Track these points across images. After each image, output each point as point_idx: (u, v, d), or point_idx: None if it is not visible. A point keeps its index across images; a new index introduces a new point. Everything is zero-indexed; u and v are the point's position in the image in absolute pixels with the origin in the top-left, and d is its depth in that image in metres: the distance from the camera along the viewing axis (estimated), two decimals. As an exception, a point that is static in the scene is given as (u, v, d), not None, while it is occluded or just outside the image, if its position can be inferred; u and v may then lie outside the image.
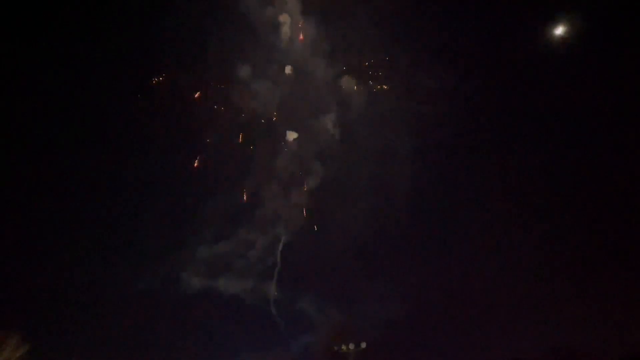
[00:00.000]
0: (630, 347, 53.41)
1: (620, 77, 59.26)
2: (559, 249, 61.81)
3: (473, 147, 65.08)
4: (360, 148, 66.28)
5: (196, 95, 62.49)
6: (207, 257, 61.86)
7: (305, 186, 65.83)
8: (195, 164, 62.53)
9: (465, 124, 63.83)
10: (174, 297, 60.04)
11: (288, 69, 66.13)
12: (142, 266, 59.60)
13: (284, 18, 65.44)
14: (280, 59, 66.18)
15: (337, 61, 65.45)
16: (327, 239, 63.67)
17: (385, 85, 65.12)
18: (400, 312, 60.40)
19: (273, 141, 66.66)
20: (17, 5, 60.21)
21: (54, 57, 61.97)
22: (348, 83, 66.15)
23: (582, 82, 60.29)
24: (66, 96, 62.51)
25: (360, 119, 66.24)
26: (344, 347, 58.83)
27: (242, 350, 58.70)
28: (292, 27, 65.79)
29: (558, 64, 60.93)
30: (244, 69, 64.36)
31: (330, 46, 64.44)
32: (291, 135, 67.24)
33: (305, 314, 61.76)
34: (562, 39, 59.48)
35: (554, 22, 59.79)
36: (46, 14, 61.60)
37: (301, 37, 64.06)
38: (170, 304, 60.00)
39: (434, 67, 61.84)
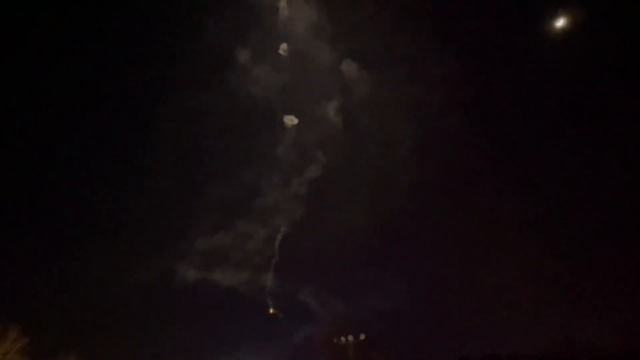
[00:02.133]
0: (629, 340, 53.31)
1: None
2: (560, 241, 60.57)
3: (478, 136, 63.13)
4: (362, 136, 65.14)
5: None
6: (205, 249, 61.22)
7: (306, 175, 64.71)
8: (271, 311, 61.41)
9: (471, 112, 62.24)
10: (172, 288, 59.73)
11: (283, 49, 63.61)
12: (139, 258, 59.13)
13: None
14: (280, 42, 64.07)
15: (339, 45, 63.19)
16: (328, 230, 63.15)
17: (389, 71, 62.97)
18: (399, 305, 60.39)
19: (273, 129, 65.22)
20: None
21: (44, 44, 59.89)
22: (350, 68, 63.99)
23: (588, 72, 58.87)
24: (58, 84, 60.77)
25: (362, 106, 64.69)
26: (343, 338, 58.98)
27: (242, 341, 58.93)
28: (290, 7, 63.32)
29: (565, 54, 58.95)
30: (242, 52, 62.47)
31: (332, 29, 62.21)
32: (291, 121, 65.30)
33: (305, 305, 61.49)
34: (569, 29, 58.01)
35: (562, 12, 58.12)
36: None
37: None
38: (169, 296, 59.79)
39: (440, 54, 59.88)
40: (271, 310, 60.95)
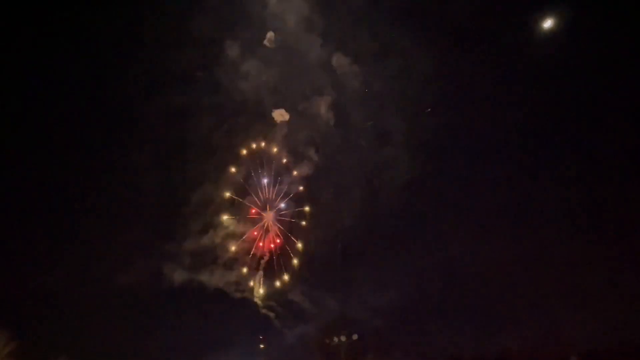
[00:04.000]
0: (619, 338, 53.24)
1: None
2: (552, 239, 59.92)
3: (471, 132, 62.16)
4: (354, 132, 63.78)
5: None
6: (194, 249, 60.41)
7: (296, 173, 63.72)
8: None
9: (465, 108, 61.05)
10: (161, 290, 59.03)
11: (269, 39, 61.58)
12: (127, 260, 58.23)
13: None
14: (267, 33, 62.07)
15: (330, 39, 61.27)
16: (318, 228, 62.54)
17: (381, 66, 61.34)
18: (392, 303, 59.97)
19: (263, 125, 63.79)
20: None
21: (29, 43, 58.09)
22: (341, 62, 62.26)
23: (584, 70, 57.77)
24: (44, 82, 59.00)
25: (354, 102, 63.24)
26: (335, 339, 59.06)
27: (233, 342, 58.88)
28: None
29: (561, 49, 57.62)
30: (230, 46, 60.52)
31: (322, 22, 60.19)
32: (281, 116, 63.91)
33: (296, 305, 61.23)
34: (564, 24, 57.18)
35: (557, 6, 57.13)
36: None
37: None
38: (158, 298, 59.18)
39: (434, 49, 58.18)
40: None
